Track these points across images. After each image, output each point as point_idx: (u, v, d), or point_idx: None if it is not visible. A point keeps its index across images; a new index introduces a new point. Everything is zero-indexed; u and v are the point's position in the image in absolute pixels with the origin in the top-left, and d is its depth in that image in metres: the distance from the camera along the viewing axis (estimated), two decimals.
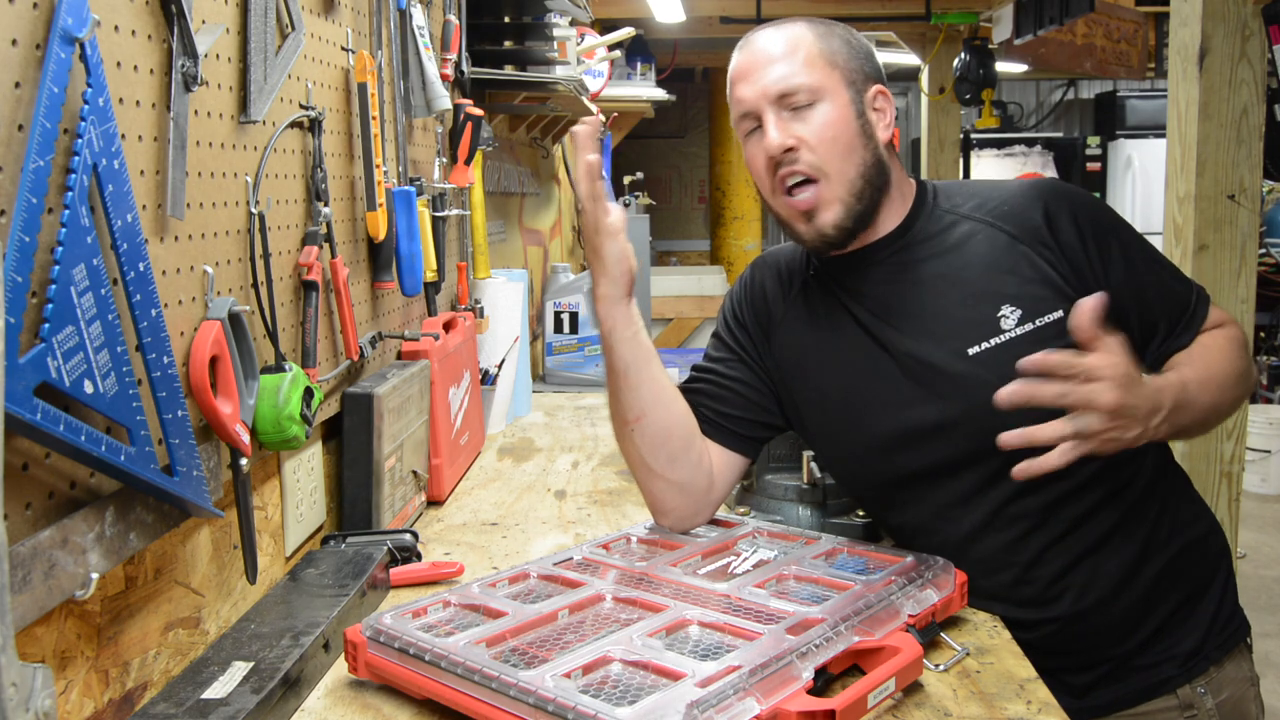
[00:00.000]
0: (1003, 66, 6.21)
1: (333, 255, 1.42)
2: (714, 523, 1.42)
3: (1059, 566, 1.24)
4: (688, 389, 1.42)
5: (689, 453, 1.34)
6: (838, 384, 1.32)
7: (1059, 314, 1.20)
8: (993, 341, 1.21)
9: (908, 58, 6.17)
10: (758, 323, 1.41)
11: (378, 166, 1.57)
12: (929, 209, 1.30)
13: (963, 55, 5.58)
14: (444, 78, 1.97)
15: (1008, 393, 1.05)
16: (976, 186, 1.33)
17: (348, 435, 1.50)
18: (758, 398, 1.39)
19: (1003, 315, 1.22)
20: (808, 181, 1.23)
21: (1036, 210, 1.25)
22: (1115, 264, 1.24)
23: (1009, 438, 1.07)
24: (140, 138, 0.96)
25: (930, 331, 1.25)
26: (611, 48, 3.25)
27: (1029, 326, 1.21)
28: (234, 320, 1.07)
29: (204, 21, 1.08)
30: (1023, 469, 1.08)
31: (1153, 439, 1.11)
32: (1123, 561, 1.24)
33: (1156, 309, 1.27)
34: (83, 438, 0.78)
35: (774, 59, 1.23)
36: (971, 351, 1.22)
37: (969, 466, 1.25)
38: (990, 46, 5.56)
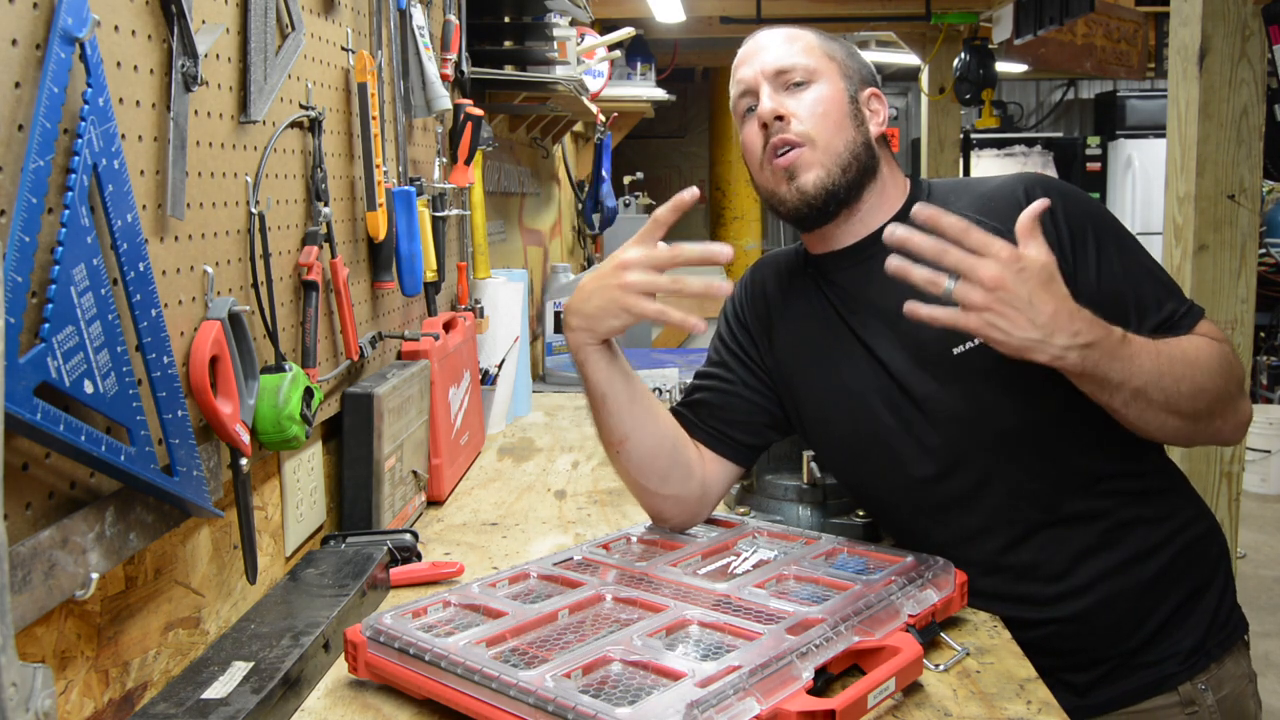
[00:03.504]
0: (1003, 66, 6.21)
1: (333, 255, 1.42)
2: (714, 522, 1.42)
3: (1060, 566, 1.24)
4: (691, 400, 1.42)
5: (677, 468, 1.34)
6: (831, 383, 1.32)
7: None
8: (976, 341, 1.19)
9: (908, 58, 6.16)
10: (759, 323, 1.41)
11: (378, 166, 1.57)
12: None
13: (963, 55, 5.58)
14: (444, 78, 1.97)
15: (889, 230, 1.07)
16: (970, 183, 1.33)
17: (348, 435, 1.50)
18: (760, 399, 1.39)
19: None
20: (794, 147, 1.26)
21: (1018, 197, 1.23)
22: (1089, 261, 1.21)
23: (891, 261, 1.08)
24: (140, 138, 0.95)
25: (914, 331, 1.24)
26: (611, 48, 3.25)
27: None
28: (234, 320, 1.07)
29: (204, 21, 1.08)
30: (910, 308, 1.08)
31: (1056, 359, 1.05)
32: (1124, 561, 1.24)
33: (1130, 314, 1.20)
34: (83, 438, 0.78)
35: (775, 44, 1.30)
36: (956, 351, 1.22)
37: (962, 466, 1.24)
38: (990, 46, 5.56)
